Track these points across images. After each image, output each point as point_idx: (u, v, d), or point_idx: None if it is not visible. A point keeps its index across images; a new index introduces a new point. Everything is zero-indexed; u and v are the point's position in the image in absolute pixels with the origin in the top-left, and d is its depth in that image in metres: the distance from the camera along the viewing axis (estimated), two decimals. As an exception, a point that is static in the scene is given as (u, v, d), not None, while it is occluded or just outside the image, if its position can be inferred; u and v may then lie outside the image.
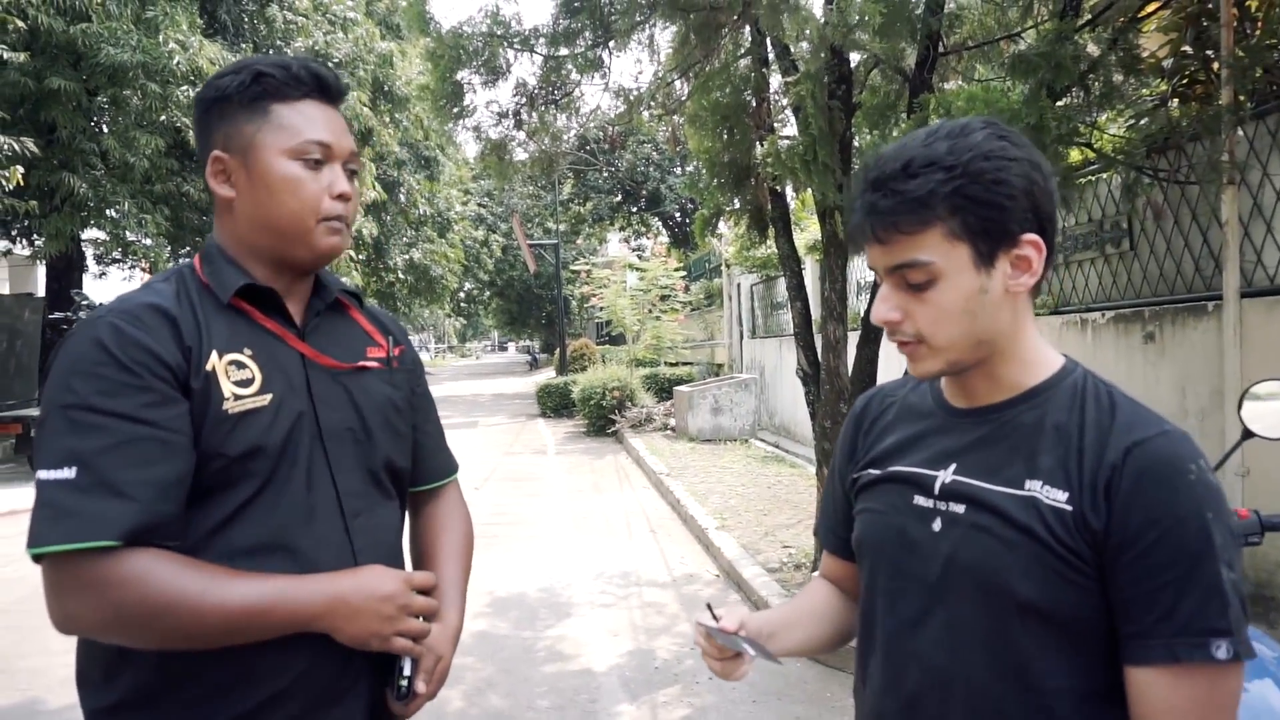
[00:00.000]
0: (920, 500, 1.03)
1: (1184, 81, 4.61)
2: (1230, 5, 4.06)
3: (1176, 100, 4.62)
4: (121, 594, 0.99)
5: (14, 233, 13.58)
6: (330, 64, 14.05)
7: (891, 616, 1.06)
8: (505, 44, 4.42)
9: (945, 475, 1.02)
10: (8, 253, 14.39)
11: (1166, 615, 0.88)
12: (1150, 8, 4.15)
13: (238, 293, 1.15)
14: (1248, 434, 1.79)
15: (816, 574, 1.31)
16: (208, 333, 1.11)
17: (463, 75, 4.45)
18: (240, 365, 1.12)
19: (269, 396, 1.12)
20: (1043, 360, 1.02)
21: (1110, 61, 3.98)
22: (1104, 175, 5.01)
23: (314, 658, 1.12)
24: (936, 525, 1.01)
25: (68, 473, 1.00)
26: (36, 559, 1.01)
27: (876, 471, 1.11)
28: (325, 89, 1.20)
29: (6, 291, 17.34)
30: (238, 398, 1.10)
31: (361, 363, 1.26)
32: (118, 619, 1.01)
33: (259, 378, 1.13)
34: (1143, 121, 4.47)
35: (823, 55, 3.19)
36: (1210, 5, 4.34)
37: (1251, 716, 1.46)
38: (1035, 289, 1.01)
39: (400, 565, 1.27)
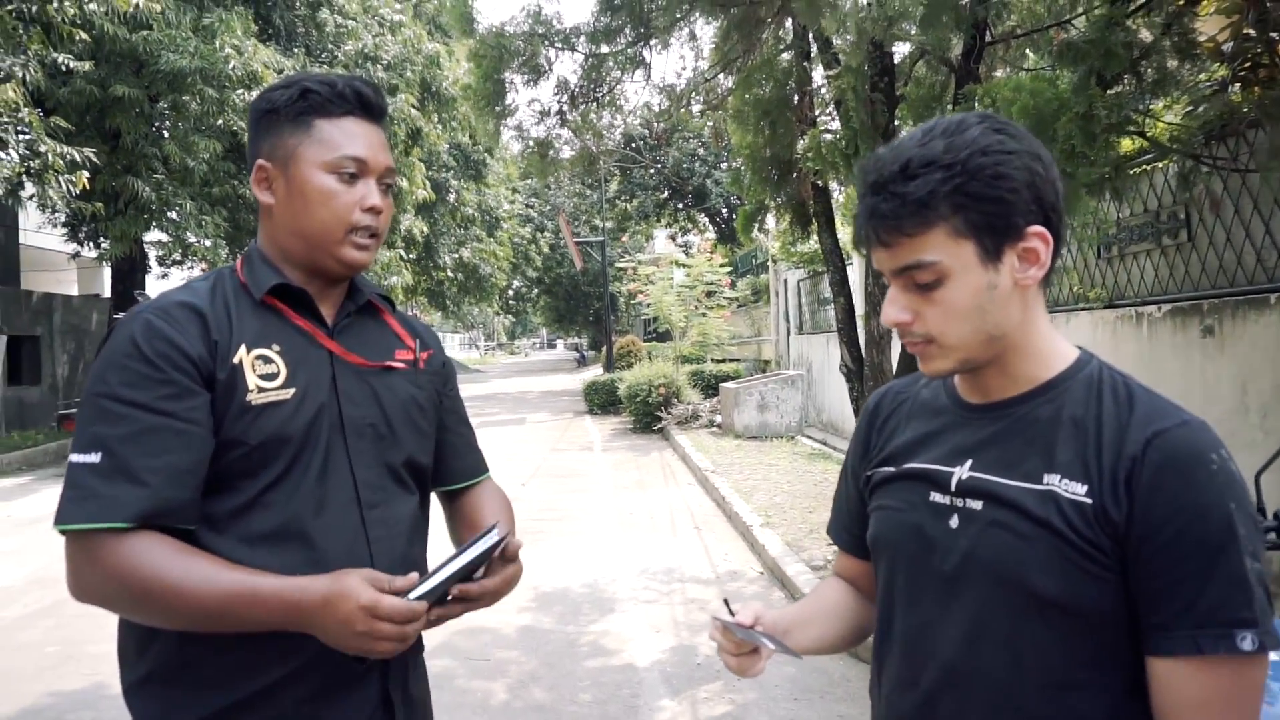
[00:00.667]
0: (937, 497, 1.03)
1: (1246, 65, 4.45)
2: (1294, -14, 3.90)
3: (1238, 85, 4.47)
4: (121, 572, 1.06)
5: (81, 236, 14.09)
6: (379, 65, 14.32)
7: (909, 614, 1.05)
8: (546, 43, 4.45)
9: (961, 471, 1.01)
10: (76, 255, 14.93)
11: (1189, 606, 0.87)
12: (1207, -10, 4.01)
13: (272, 292, 1.22)
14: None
15: (831, 572, 1.31)
16: (238, 328, 1.18)
17: (505, 75, 4.50)
18: (267, 360, 1.18)
19: (292, 390, 1.18)
20: (1057, 353, 1.01)
21: (1164, 47, 3.86)
22: (1160, 164, 4.87)
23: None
24: (954, 522, 1.00)
25: (93, 457, 1.08)
26: (62, 534, 1.09)
27: (891, 469, 1.10)
28: (367, 106, 1.25)
29: (75, 293, 18.01)
30: (261, 390, 1.16)
31: (388, 362, 1.30)
32: (117, 595, 1.08)
33: (284, 372, 1.18)
34: (1201, 108, 4.33)
35: (864, 49, 3.15)
36: (1275, -15, 4.17)
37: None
38: (1046, 280, 1.00)
39: (419, 556, 1.31)
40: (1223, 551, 0.86)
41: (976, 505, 0.99)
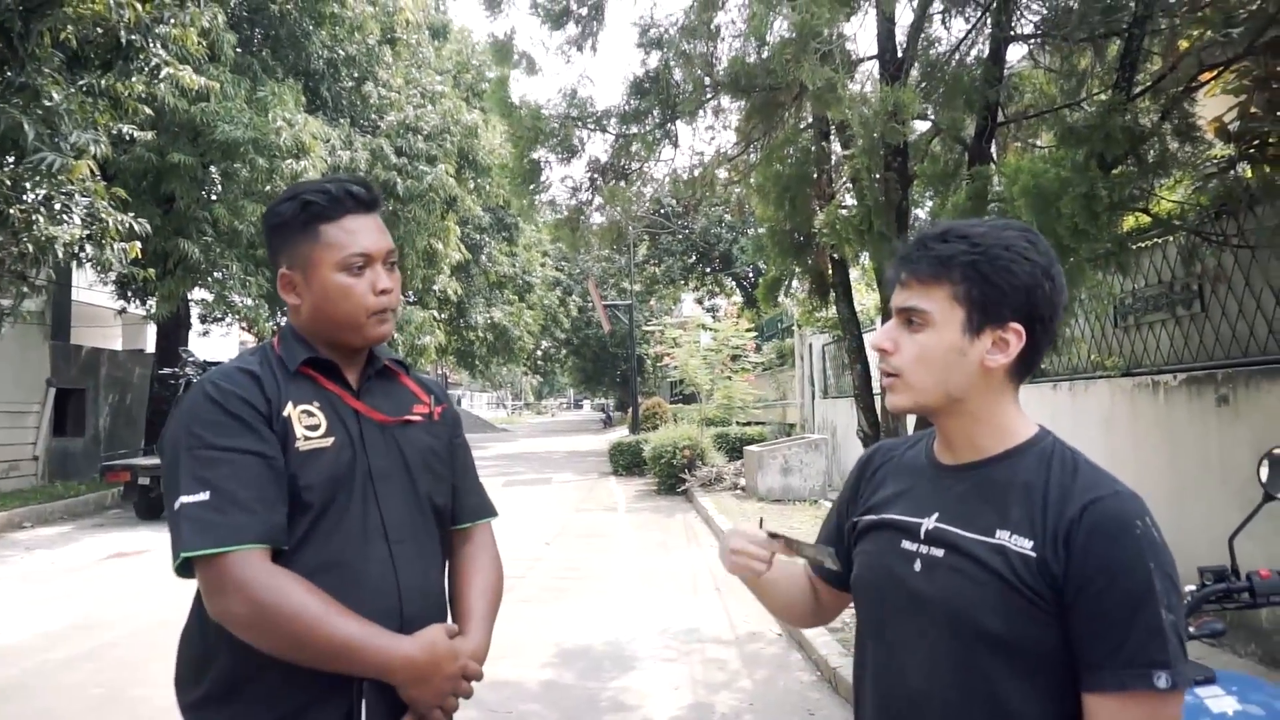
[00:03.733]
0: (907, 544, 1.19)
1: (1253, 144, 4.61)
2: (1298, 68, 4.07)
3: (1247, 163, 4.62)
4: (262, 596, 1.25)
5: (129, 293, 14.64)
6: (420, 136, 14.91)
7: (880, 646, 1.21)
8: (579, 124, 4.76)
9: (929, 523, 1.18)
10: (123, 310, 15.47)
11: (1115, 649, 1.02)
12: (1205, 76, 4.21)
13: (305, 363, 1.45)
14: (1268, 497, 1.86)
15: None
16: (284, 390, 1.41)
17: (540, 154, 4.81)
18: (310, 414, 1.41)
19: (332, 439, 1.40)
20: (1018, 429, 1.18)
21: (1164, 130, 4.06)
22: (1168, 239, 5.01)
23: None
24: (918, 566, 1.17)
25: (203, 495, 1.28)
26: (185, 564, 1.28)
27: (873, 517, 1.27)
28: (361, 202, 1.48)
29: (119, 347, 18.57)
30: (308, 439, 1.38)
31: (407, 417, 1.52)
32: (259, 615, 1.25)
33: (324, 424, 1.41)
34: (1213, 184, 4.49)
35: (875, 134, 3.39)
36: (1278, 68, 4.35)
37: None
38: (1021, 374, 1.17)
39: (440, 591, 1.52)
40: (1142, 604, 1.02)
41: (939, 553, 1.15)
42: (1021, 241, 1.13)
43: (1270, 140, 4.49)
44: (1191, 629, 1.80)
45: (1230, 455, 4.37)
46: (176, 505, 1.29)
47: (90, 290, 17.03)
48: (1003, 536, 1.10)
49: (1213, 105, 4.75)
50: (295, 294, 1.46)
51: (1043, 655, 1.07)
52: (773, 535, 1.32)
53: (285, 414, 1.37)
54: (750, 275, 24.98)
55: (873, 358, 6.89)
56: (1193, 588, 1.84)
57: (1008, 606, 1.07)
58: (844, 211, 4.22)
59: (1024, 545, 1.08)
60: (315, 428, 1.39)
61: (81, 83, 8.36)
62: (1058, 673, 1.07)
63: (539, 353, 41.87)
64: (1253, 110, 4.52)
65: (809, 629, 5.03)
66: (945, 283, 1.13)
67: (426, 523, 1.50)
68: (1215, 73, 4.33)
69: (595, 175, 5.08)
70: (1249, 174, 4.45)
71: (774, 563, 1.34)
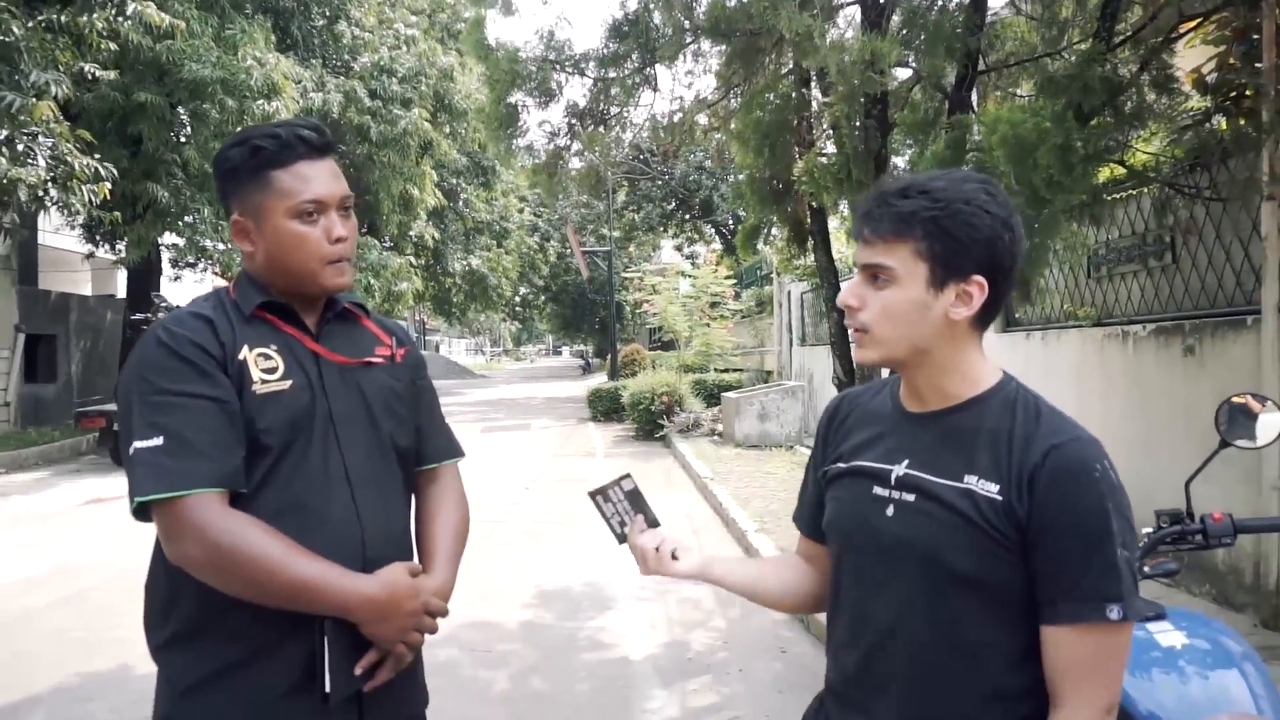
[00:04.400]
0: (878, 490, 1.24)
1: (1229, 96, 4.63)
2: (1274, 20, 4.08)
3: (1222, 115, 4.65)
4: (218, 538, 1.26)
5: (97, 237, 14.36)
6: (394, 78, 14.58)
7: (853, 587, 1.26)
8: (557, 67, 4.69)
9: (899, 469, 1.22)
10: (90, 255, 15.19)
11: (1072, 585, 1.08)
12: (1185, 26, 4.21)
13: (261, 306, 1.44)
14: (1224, 443, 1.93)
15: (795, 552, 1.52)
16: (240, 333, 1.40)
17: (517, 97, 4.73)
18: (267, 357, 1.40)
19: (290, 382, 1.40)
20: (983, 376, 1.22)
21: (1142, 81, 4.07)
22: (1142, 190, 5.05)
23: None
24: (890, 511, 1.21)
25: (156, 440, 1.28)
26: (141, 508, 1.29)
27: (843, 465, 1.31)
28: (313, 146, 1.44)
29: (89, 293, 18.28)
30: (264, 381, 1.38)
31: (367, 359, 1.52)
32: (214, 560, 1.27)
33: (282, 367, 1.40)
34: (1188, 136, 4.52)
35: (854, 83, 3.37)
36: (1258, 19, 4.35)
37: (1212, 706, 1.60)
38: (983, 323, 1.21)
39: (405, 533, 1.53)
40: (1100, 543, 1.08)
41: (910, 498, 1.20)
42: (981, 194, 1.16)
43: (1246, 92, 4.51)
44: (1147, 568, 1.88)
45: (1195, 404, 4.48)
46: (130, 451, 1.29)
47: (57, 234, 16.67)
48: (970, 481, 1.15)
49: (1190, 57, 4.75)
50: (249, 241, 1.44)
51: (1008, 593, 1.13)
52: (594, 496, 1.43)
53: (240, 357, 1.36)
54: (730, 222, 24.89)
55: (849, 306, 6.96)
56: (1150, 529, 1.92)
57: (976, 547, 1.13)
58: (823, 159, 4.22)
59: (991, 489, 1.13)
60: (272, 370, 1.38)
61: (41, 18, 8.08)
62: (1021, 609, 1.13)
63: (517, 299, 41.68)
64: (1231, 62, 4.52)
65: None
66: (908, 239, 1.15)
67: (389, 465, 1.50)
68: (1195, 23, 4.33)
69: (573, 120, 5.02)
70: (1224, 127, 4.48)
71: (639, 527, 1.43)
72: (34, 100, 7.51)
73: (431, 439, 1.63)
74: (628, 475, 1.48)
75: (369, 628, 1.35)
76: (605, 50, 4.73)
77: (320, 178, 1.43)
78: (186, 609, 1.36)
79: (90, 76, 8.85)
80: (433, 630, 1.43)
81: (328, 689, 1.35)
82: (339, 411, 1.44)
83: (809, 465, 1.45)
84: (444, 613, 1.46)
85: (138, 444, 1.29)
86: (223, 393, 1.33)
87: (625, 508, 1.46)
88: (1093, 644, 1.09)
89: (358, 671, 1.37)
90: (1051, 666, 1.11)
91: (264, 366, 1.38)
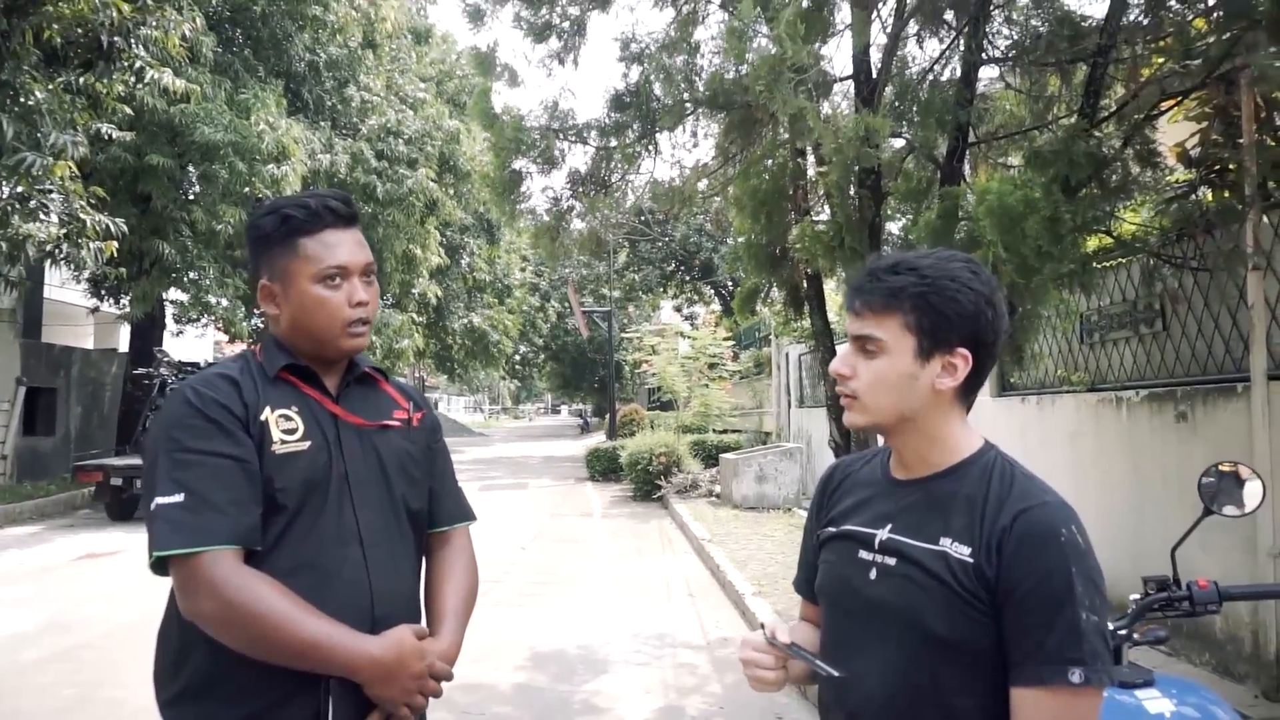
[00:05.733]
0: (863, 554, 1.28)
1: (1214, 169, 4.77)
2: (1251, 98, 4.23)
3: (1207, 188, 4.78)
4: (232, 596, 1.30)
5: (103, 292, 14.50)
6: (401, 140, 14.91)
7: (838, 649, 1.30)
8: (560, 136, 4.84)
9: (883, 533, 1.27)
10: (95, 310, 15.32)
11: (1037, 647, 1.12)
12: (1166, 104, 4.36)
13: (285, 369, 1.50)
14: (1208, 511, 1.97)
15: (799, 618, 1.55)
16: (263, 395, 1.45)
17: (521, 164, 4.87)
18: (288, 418, 1.45)
19: (309, 443, 1.45)
20: (964, 444, 1.27)
21: (1126, 155, 4.20)
22: (1131, 259, 5.16)
23: None
24: (872, 574, 1.26)
25: (178, 497, 1.33)
26: (159, 562, 1.33)
27: (834, 529, 1.36)
28: (340, 216, 1.53)
29: (91, 346, 18.37)
30: (284, 442, 1.43)
31: (385, 422, 1.57)
32: (227, 618, 1.30)
33: (302, 428, 1.46)
34: (1174, 208, 4.64)
35: (849, 155, 3.49)
36: (1237, 98, 4.50)
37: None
38: (967, 394, 1.27)
39: (414, 595, 1.55)
40: (1062, 606, 1.11)
41: (891, 561, 1.24)
42: (966, 272, 1.23)
43: (1229, 166, 4.66)
44: (1136, 635, 1.90)
45: (1187, 469, 4.50)
46: (153, 506, 1.34)
47: (63, 288, 16.83)
48: (945, 544, 1.19)
49: (1173, 131, 4.91)
50: (274, 304, 1.51)
51: (981, 654, 1.16)
52: (771, 643, 1.32)
53: (262, 418, 1.41)
54: (729, 284, 25.14)
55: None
56: (1137, 596, 1.94)
57: (950, 609, 1.16)
58: (818, 226, 4.33)
59: (963, 552, 1.18)
60: (292, 431, 1.43)
61: (60, 80, 8.33)
62: (995, 671, 1.16)
63: (517, 357, 41.82)
64: (1214, 137, 4.69)
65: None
66: (897, 313, 1.22)
67: (401, 526, 1.54)
68: (1176, 100, 4.49)
69: (576, 186, 5.16)
70: (1209, 198, 4.60)
71: (790, 666, 1.34)
72: (52, 160, 7.70)
73: (444, 502, 1.66)
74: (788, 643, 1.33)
75: (373, 689, 1.37)
76: (607, 120, 4.89)
77: (345, 245, 1.51)
78: (197, 664, 1.39)
79: (107, 137, 9.07)
80: (436, 694, 1.44)
81: None
82: (355, 472, 1.48)
83: (806, 530, 1.50)
84: (448, 677, 1.47)
85: (159, 500, 1.33)
86: (243, 452, 1.38)
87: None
88: (1057, 707, 1.11)
89: None
90: None
91: (284, 427, 1.43)
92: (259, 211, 1.55)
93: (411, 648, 1.41)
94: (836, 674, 1.25)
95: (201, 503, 1.32)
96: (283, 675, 1.34)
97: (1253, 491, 1.98)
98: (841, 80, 4.75)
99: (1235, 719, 1.75)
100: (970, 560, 1.17)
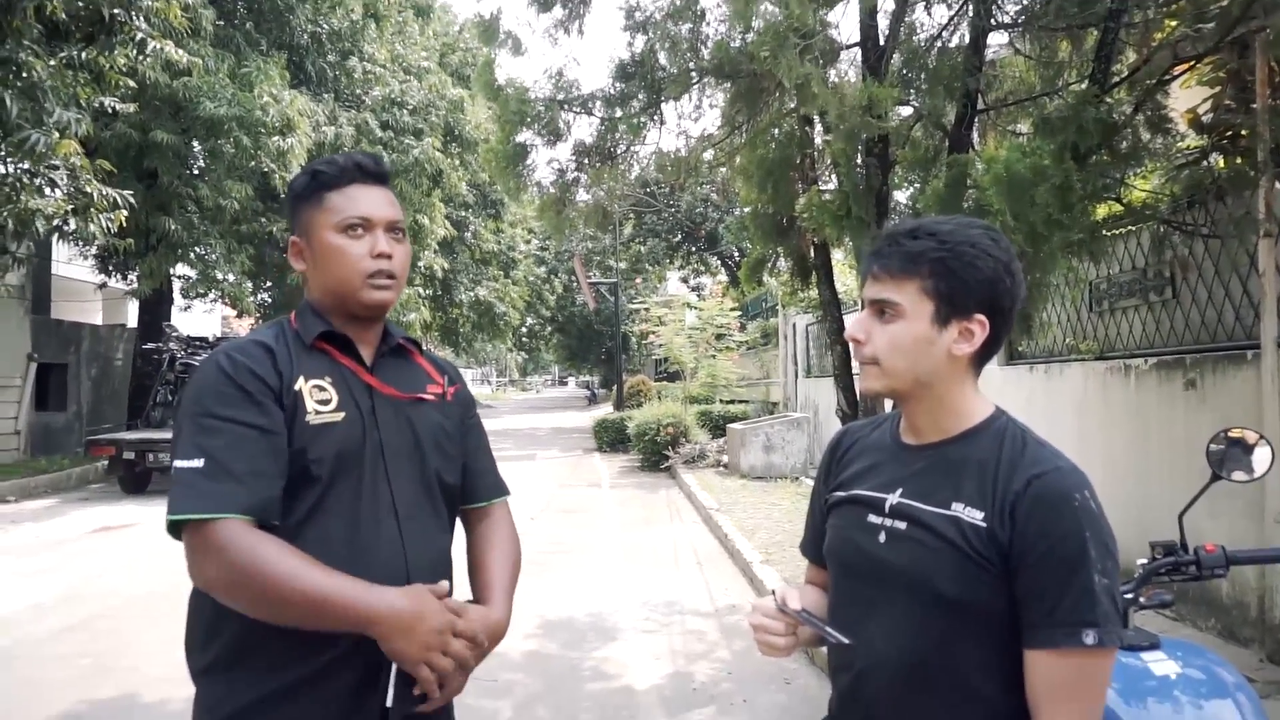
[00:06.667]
0: (872, 517, 1.29)
1: (1225, 135, 4.71)
2: (1266, 62, 4.17)
3: (1219, 154, 4.73)
4: (235, 558, 1.28)
5: (110, 267, 14.53)
6: (405, 110, 14.82)
7: (846, 610, 1.32)
8: (565, 107, 4.80)
9: (893, 498, 1.28)
10: (103, 285, 15.36)
11: (1051, 610, 1.13)
12: (1179, 69, 4.30)
13: (320, 337, 1.49)
14: (1216, 476, 1.98)
15: (804, 581, 1.56)
16: (297, 364, 1.44)
17: (526, 136, 4.84)
18: (321, 389, 1.43)
19: (343, 414, 1.43)
20: (976, 411, 1.28)
21: (1137, 122, 4.15)
22: (1141, 227, 5.12)
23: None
24: (882, 538, 1.27)
25: (197, 462, 1.32)
26: (174, 526, 1.32)
27: (842, 494, 1.37)
28: (367, 173, 1.51)
29: (100, 322, 18.45)
30: (318, 412, 1.41)
31: (419, 395, 1.56)
32: (233, 580, 1.29)
33: (336, 399, 1.44)
34: (1184, 174, 4.59)
35: (854, 124, 3.46)
36: (1250, 62, 4.43)
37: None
38: (981, 361, 1.27)
39: (447, 567, 1.53)
40: (1076, 569, 1.12)
41: (901, 525, 1.25)
42: (985, 239, 1.23)
43: (1241, 132, 4.60)
44: (1143, 599, 1.92)
45: (1196, 437, 4.50)
46: (174, 469, 1.34)
47: (70, 265, 16.89)
48: (957, 508, 1.20)
49: (1185, 97, 4.85)
50: (301, 260, 1.51)
51: (993, 617, 1.17)
52: (782, 609, 1.32)
53: (296, 388, 1.39)
54: (735, 255, 25.04)
55: (853, 339, 7.07)
56: (1145, 561, 1.96)
57: (961, 573, 1.18)
58: (825, 195, 4.30)
59: (976, 516, 1.19)
60: (326, 402, 1.41)
61: (62, 55, 8.29)
62: (1007, 634, 1.17)
63: (524, 330, 41.85)
64: (1226, 102, 4.62)
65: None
66: (915, 277, 1.22)
67: (434, 501, 1.53)
68: (1189, 65, 4.43)
69: (581, 158, 5.13)
70: (1221, 165, 4.55)
71: (800, 631, 1.35)
72: (57, 137, 7.68)
73: (482, 477, 1.65)
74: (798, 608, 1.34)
75: (392, 643, 1.32)
76: (612, 90, 4.85)
77: (370, 199, 1.50)
78: (233, 631, 1.37)
79: (111, 111, 9.04)
80: (463, 659, 1.36)
81: (389, 703, 1.36)
82: (390, 445, 1.47)
83: (813, 494, 1.51)
84: (479, 643, 1.39)
85: (179, 463, 1.32)
86: (270, 423, 1.36)
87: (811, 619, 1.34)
88: (1071, 669, 1.12)
89: (416, 693, 1.36)
90: (1032, 690, 1.15)
91: (318, 398, 1.42)
92: (297, 174, 1.56)
93: (432, 600, 1.36)
94: (845, 641, 1.27)
95: (220, 470, 1.31)
96: (324, 643, 1.32)
97: (1261, 457, 1.99)
98: (848, 48, 4.69)
99: (1240, 681, 1.77)
100: (984, 525, 1.18)
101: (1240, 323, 4.62)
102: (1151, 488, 4.70)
